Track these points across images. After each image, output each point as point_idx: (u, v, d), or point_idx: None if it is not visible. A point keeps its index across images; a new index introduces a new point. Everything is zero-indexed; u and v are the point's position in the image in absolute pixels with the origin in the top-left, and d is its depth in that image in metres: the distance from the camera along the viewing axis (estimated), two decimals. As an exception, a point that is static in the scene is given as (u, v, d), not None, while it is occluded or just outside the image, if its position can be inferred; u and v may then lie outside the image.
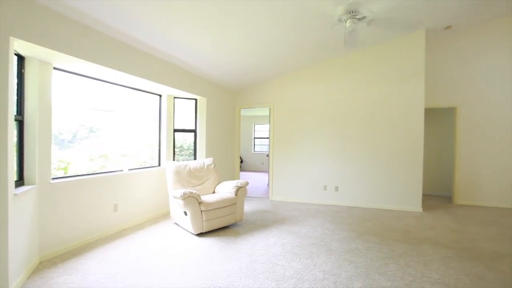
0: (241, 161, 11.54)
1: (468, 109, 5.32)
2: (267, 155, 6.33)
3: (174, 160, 4.80)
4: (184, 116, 5.04)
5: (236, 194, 3.85)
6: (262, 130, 11.69)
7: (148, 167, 4.34)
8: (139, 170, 4.06)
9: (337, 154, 5.22)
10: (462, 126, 5.37)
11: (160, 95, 4.64)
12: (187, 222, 3.48)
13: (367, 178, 5.04)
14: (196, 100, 5.11)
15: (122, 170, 3.83)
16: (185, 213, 3.46)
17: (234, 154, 6.21)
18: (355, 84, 5.09)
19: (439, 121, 6.25)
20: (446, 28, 4.90)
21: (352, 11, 3.36)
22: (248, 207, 4.99)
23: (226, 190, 3.97)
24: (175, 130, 4.83)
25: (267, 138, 7.21)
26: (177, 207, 3.66)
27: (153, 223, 3.99)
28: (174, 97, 4.82)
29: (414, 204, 4.76)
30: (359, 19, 3.42)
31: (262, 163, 11.35)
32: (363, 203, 5.06)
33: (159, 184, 4.37)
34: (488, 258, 2.86)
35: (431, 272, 2.55)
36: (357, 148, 5.10)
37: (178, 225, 3.84)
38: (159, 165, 4.61)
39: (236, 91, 6.07)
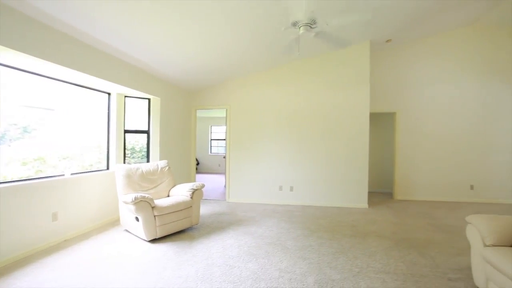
0: (197, 163, 11.29)
1: (406, 114, 5.97)
2: (224, 157, 6.30)
3: (124, 162, 4.50)
4: (136, 117, 4.76)
5: (191, 197, 3.75)
6: (219, 131, 11.60)
7: (95, 171, 3.99)
8: (84, 174, 3.71)
9: (292, 156, 5.42)
10: (400, 129, 5.99)
11: (109, 93, 4.31)
12: (139, 228, 3.28)
13: (320, 178, 5.32)
14: (149, 99, 4.87)
15: (63, 175, 3.46)
16: (137, 219, 3.26)
17: (190, 156, 6.05)
18: (310, 88, 5.35)
19: (381, 124, 6.88)
20: (387, 41, 5.45)
21: (311, 20, 3.54)
22: (205, 209, 4.90)
23: (181, 193, 3.85)
24: (126, 131, 4.53)
25: (224, 139, 7.18)
26: (128, 213, 3.44)
27: (101, 231, 3.68)
28: (125, 96, 4.52)
29: (361, 201, 5.17)
30: (312, 27, 3.60)
31: (219, 165, 11.25)
32: (316, 202, 5.33)
33: (107, 189, 4.05)
34: (421, 246, 3.23)
35: (375, 262, 2.79)
36: (310, 149, 5.36)
37: (129, 232, 3.60)
38: (107, 168, 4.28)
39: (193, 92, 5.94)
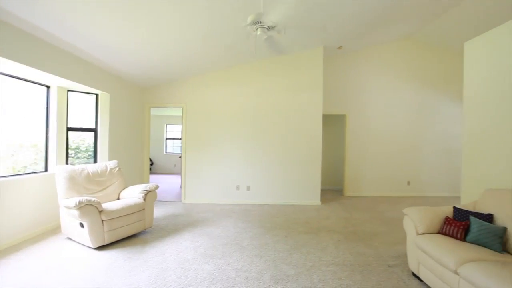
0: (151, 164, 10.76)
1: (355, 116, 6.44)
2: (180, 157, 6.11)
3: (67, 163, 4.08)
4: (82, 113, 4.36)
5: (144, 199, 3.57)
6: (174, 130, 11.20)
7: (30, 173, 3.55)
8: (14, 177, 3.27)
9: (250, 156, 5.48)
10: (350, 131, 6.44)
11: (48, 86, 3.87)
12: (84, 235, 3.01)
13: (276, 177, 5.47)
14: (97, 95, 4.49)
15: (-12, 178, 3.02)
16: (82, 225, 2.99)
17: (143, 156, 5.74)
18: (267, 89, 5.46)
19: (333, 126, 7.32)
20: (338, 48, 5.82)
21: (258, 21, 3.60)
22: (159, 212, 4.69)
23: (133, 195, 3.63)
24: (69, 129, 4.12)
25: (180, 139, 6.89)
26: (70, 219, 3.13)
27: (37, 241, 3.29)
28: (68, 90, 4.11)
29: (314, 198, 5.44)
30: (268, 29, 3.67)
31: (175, 165, 10.87)
32: (273, 200, 5.46)
33: (46, 193, 3.63)
34: (367, 238, 3.52)
35: (327, 256, 2.96)
36: (267, 149, 5.47)
37: (72, 239, 3.28)
38: (46, 170, 3.84)
39: (146, 89, 5.64)
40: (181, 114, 5.94)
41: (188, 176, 5.52)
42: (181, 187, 6.20)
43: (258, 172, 5.48)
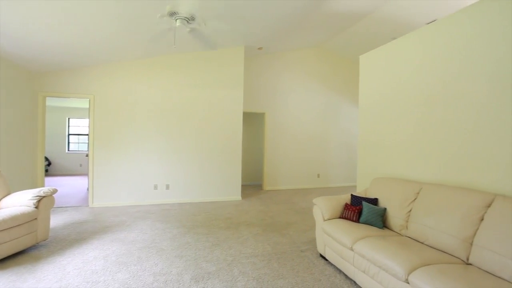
0: (48, 164, 9.09)
1: (273, 115, 6.85)
2: (87, 155, 5.35)
3: None
4: None
5: (37, 207, 2.98)
6: (80, 125, 9.72)
7: None
8: None
9: (169, 153, 5.21)
10: (269, 128, 6.83)
11: None
12: None
13: (197, 175, 5.37)
14: (-38, 78, 3.50)
15: None
16: None
17: (36, 155, 4.78)
18: (188, 84, 5.28)
19: (253, 123, 7.64)
20: (259, 48, 6.08)
21: (190, 16, 3.47)
22: (58, 220, 4.01)
23: (20, 202, 2.99)
24: None
25: (87, 135, 5.95)
26: None
27: None
28: None
29: (235, 194, 5.57)
30: (188, 21, 3.55)
31: (81, 165, 9.47)
32: (194, 198, 5.35)
33: None
34: (282, 228, 3.82)
35: (247, 248, 3.08)
36: (188, 146, 5.31)
37: None
38: None
39: (40, 74, 4.69)
40: (88, 107, 5.19)
41: (97, 176, 4.87)
42: (88, 189, 5.46)
43: (178, 169, 5.26)
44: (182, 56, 5.24)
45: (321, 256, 2.86)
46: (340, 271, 2.57)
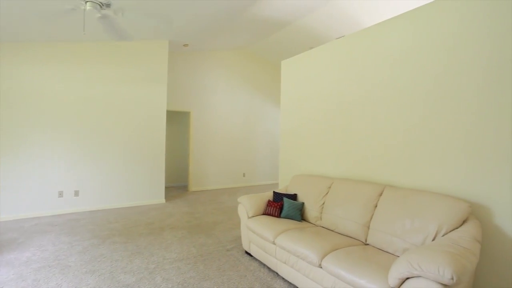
0: None
1: (199, 114, 6.71)
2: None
3: None
4: None
5: None
6: None
7: None
8: None
9: (78, 154, 4.53)
10: (195, 127, 6.66)
11: None
12: None
13: (113, 178, 4.83)
14: None
15: None
16: None
17: None
18: (104, 76, 4.69)
19: (178, 122, 7.33)
20: (184, 45, 5.86)
21: (106, 0, 3.08)
22: None
23: None
24: None
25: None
26: None
27: None
28: None
29: (158, 196, 5.24)
30: (101, 6, 3.18)
31: None
32: (110, 204, 4.80)
33: None
34: (209, 228, 3.78)
35: (171, 253, 2.94)
36: (102, 146, 4.73)
37: None
38: None
39: None
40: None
41: (-28, 185, 3.87)
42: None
43: (90, 172, 4.63)
44: (99, 46, 4.64)
45: (247, 253, 2.95)
46: (264, 265, 2.70)
